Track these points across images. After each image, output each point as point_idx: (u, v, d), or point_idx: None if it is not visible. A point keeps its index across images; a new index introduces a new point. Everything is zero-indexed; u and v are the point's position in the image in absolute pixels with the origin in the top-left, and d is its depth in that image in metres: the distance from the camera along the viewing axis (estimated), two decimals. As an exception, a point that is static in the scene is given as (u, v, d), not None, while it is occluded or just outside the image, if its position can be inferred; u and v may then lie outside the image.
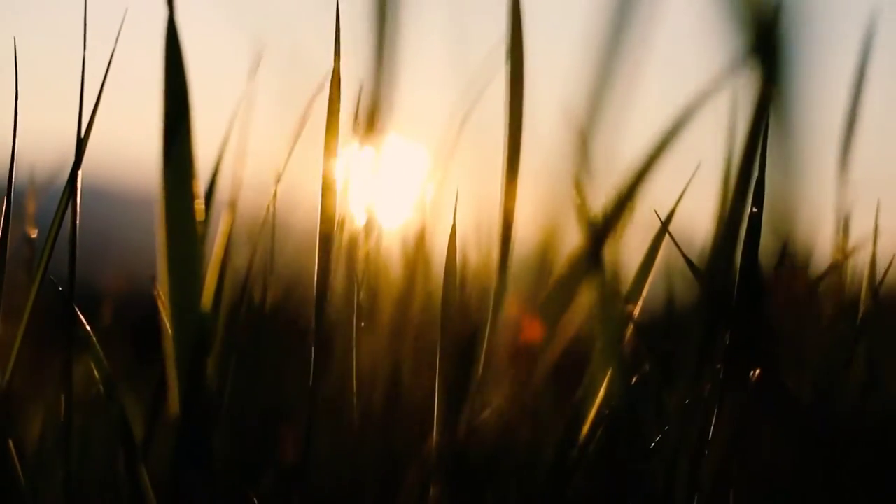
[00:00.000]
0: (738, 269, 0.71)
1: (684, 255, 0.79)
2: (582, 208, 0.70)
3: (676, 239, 0.80)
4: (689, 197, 0.80)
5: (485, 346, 0.75)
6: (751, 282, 0.71)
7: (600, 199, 0.66)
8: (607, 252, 0.68)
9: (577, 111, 0.61)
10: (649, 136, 0.66)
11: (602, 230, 0.66)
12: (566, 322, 0.71)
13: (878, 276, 0.84)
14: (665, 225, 0.79)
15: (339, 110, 0.76)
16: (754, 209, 0.70)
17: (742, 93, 0.57)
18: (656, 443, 0.78)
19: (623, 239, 0.69)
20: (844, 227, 0.84)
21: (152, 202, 0.70)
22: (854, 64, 0.85)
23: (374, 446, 0.78)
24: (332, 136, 0.76)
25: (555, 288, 0.70)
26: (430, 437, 0.77)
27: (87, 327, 0.78)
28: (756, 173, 0.68)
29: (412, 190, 0.82)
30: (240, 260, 0.81)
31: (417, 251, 0.79)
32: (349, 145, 0.76)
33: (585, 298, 0.71)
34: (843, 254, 0.83)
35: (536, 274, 0.70)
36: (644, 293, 0.79)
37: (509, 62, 0.73)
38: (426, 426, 0.79)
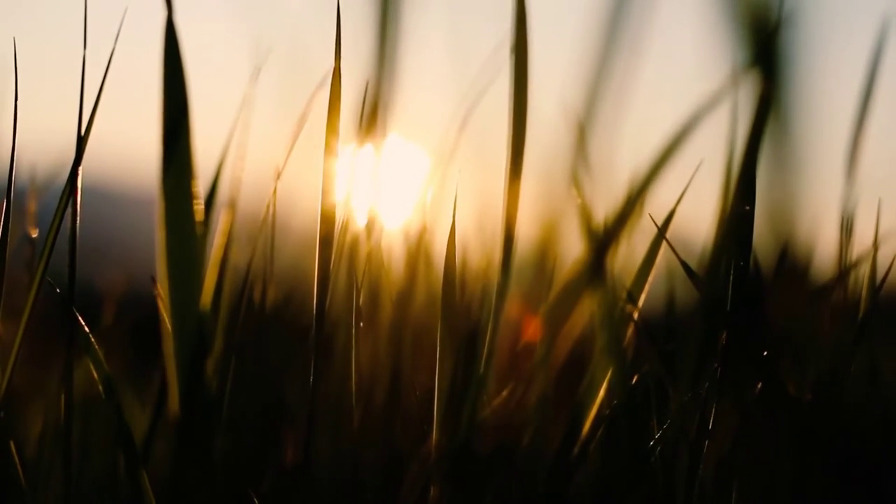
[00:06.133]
0: (734, 271, 0.72)
1: (681, 260, 0.79)
2: (583, 211, 0.70)
3: (676, 240, 0.80)
4: (691, 196, 0.81)
5: (486, 345, 0.75)
6: (747, 283, 0.71)
7: (600, 201, 0.66)
8: (609, 259, 0.68)
9: (576, 110, 0.61)
10: (650, 142, 0.66)
11: (605, 241, 0.66)
12: (569, 330, 0.71)
13: (879, 277, 0.84)
14: (664, 227, 0.79)
15: (339, 109, 0.76)
16: (748, 208, 0.70)
17: (743, 94, 0.57)
18: (656, 442, 0.78)
19: (625, 246, 0.69)
20: (848, 228, 0.84)
21: (152, 202, 0.70)
22: (864, 65, 0.85)
23: (375, 446, 0.78)
24: (333, 135, 0.76)
25: (557, 298, 0.70)
26: (431, 437, 0.77)
27: (87, 328, 0.78)
28: (756, 176, 0.68)
29: (413, 190, 0.82)
30: (240, 260, 0.81)
31: (418, 251, 0.79)
32: (350, 145, 0.76)
33: (587, 301, 0.72)
34: (847, 256, 0.83)
35: (536, 273, 0.70)
36: (644, 293, 0.79)
37: (513, 61, 0.73)
38: (426, 426, 0.79)
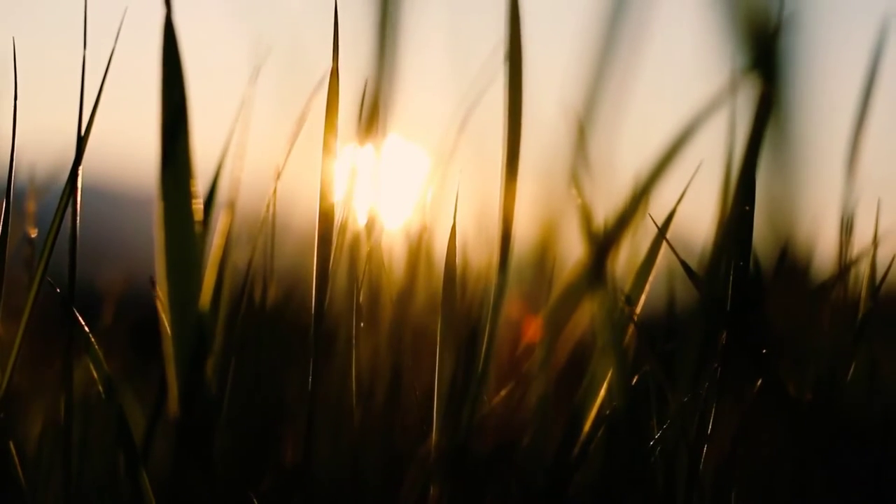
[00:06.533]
0: (734, 271, 0.72)
1: (681, 260, 0.79)
2: (583, 212, 0.70)
3: (677, 240, 0.80)
4: (691, 196, 0.81)
5: (485, 345, 0.75)
6: (747, 283, 0.71)
7: (600, 201, 0.66)
8: (609, 260, 0.68)
9: (576, 110, 0.61)
10: (650, 143, 0.66)
11: (605, 242, 0.66)
12: (569, 330, 0.71)
13: (879, 277, 0.84)
14: (664, 228, 0.79)
15: (337, 109, 0.76)
16: (748, 208, 0.70)
17: (743, 95, 0.57)
18: (656, 442, 0.78)
19: (625, 246, 0.69)
20: (848, 228, 0.84)
21: (152, 202, 0.69)
22: (864, 65, 0.85)
23: (375, 446, 0.78)
24: (331, 135, 0.76)
25: (558, 298, 0.70)
26: (431, 437, 0.77)
27: (87, 328, 0.78)
28: (756, 176, 0.68)
29: (413, 190, 0.82)
30: (239, 260, 0.81)
31: (418, 251, 0.79)
32: (349, 145, 0.76)
33: (588, 302, 0.72)
34: (846, 256, 0.83)
35: (537, 273, 0.70)
36: (645, 294, 0.79)
37: (508, 63, 0.73)
38: (426, 425, 0.79)
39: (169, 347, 0.71)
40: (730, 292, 0.73)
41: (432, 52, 0.73)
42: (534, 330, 0.73)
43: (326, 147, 0.76)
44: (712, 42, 0.52)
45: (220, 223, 0.76)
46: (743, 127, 0.58)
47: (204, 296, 0.70)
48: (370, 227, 0.80)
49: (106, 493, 0.94)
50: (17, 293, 0.83)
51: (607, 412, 0.76)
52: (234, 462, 0.84)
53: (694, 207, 0.81)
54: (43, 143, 1.03)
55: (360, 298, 0.80)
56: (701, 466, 0.76)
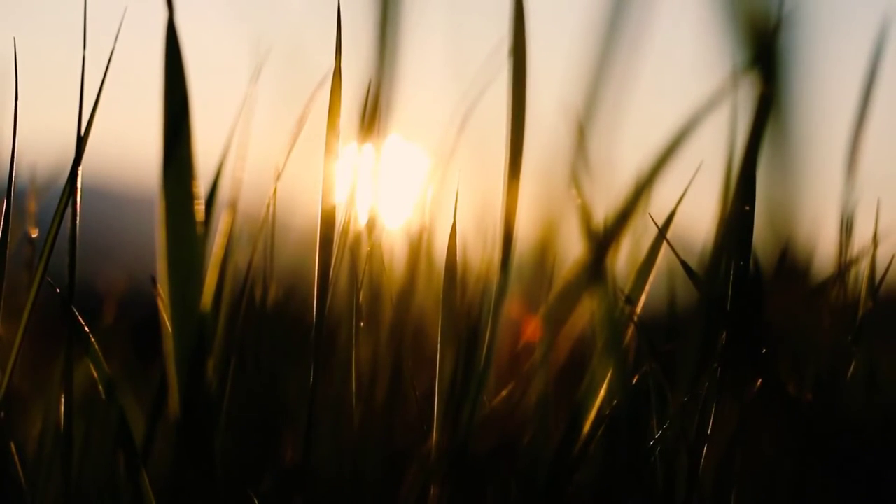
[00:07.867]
0: (734, 271, 0.72)
1: (681, 260, 0.79)
2: (583, 211, 0.70)
3: (677, 240, 0.80)
4: (691, 196, 0.81)
5: (486, 344, 0.75)
6: (747, 283, 0.71)
7: (600, 201, 0.66)
8: (609, 259, 0.68)
9: (576, 110, 0.61)
10: (650, 142, 0.66)
11: (605, 241, 0.66)
12: (569, 330, 0.71)
13: (878, 276, 0.84)
14: (664, 227, 0.79)
15: (339, 108, 0.76)
16: (748, 208, 0.71)
17: (743, 94, 0.57)
18: (656, 442, 0.78)
19: (625, 245, 0.69)
20: (848, 228, 0.84)
21: (152, 202, 0.69)
22: (864, 65, 0.85)
23: (375, 446, 0.78)
24: (333, 134, 0.76)
25: (557, 297, 0.71)
26: (431, 437, 0.77)
27: (87, 328, 0.78)
28: (756, 176, 0.68)
29: (413, 190, 0.82)
30: (240, 260, 0.81)
31: (418, 250, 0.79)
32: (350, 144, 0.76)
33: (587, 301, 0.72)
34: (846, 256, 0.83)
35: (536, 272, 0.70)
36: (645, 293, 0.79)
37: (512, 59, 0.73)
38: (426, 425, 0.79)
39: (170, 347, 0.71)
40: (730, 292, 0.73)
41: (432, 52, 0.73)
42: (534, 329, 0.74)
43: (328, 147, 0.76)
44: (712, 41, 0.52)
45: (221, 223, 0.76)
46: (743, 126, 0.58)
47: (205, 295, 0.70)
48: (371, 226, 0.80)
49: (106, 493, 0.94)
50: (17, 293, 0.83)
51: (607, 412, 0.76)
52: (234, 462, 0.84)
53: (694, 207, 0.81)
54: (43, 143, 1.03)
55: (361, 298, 0.80)
56: (701, 466, 0.76)
